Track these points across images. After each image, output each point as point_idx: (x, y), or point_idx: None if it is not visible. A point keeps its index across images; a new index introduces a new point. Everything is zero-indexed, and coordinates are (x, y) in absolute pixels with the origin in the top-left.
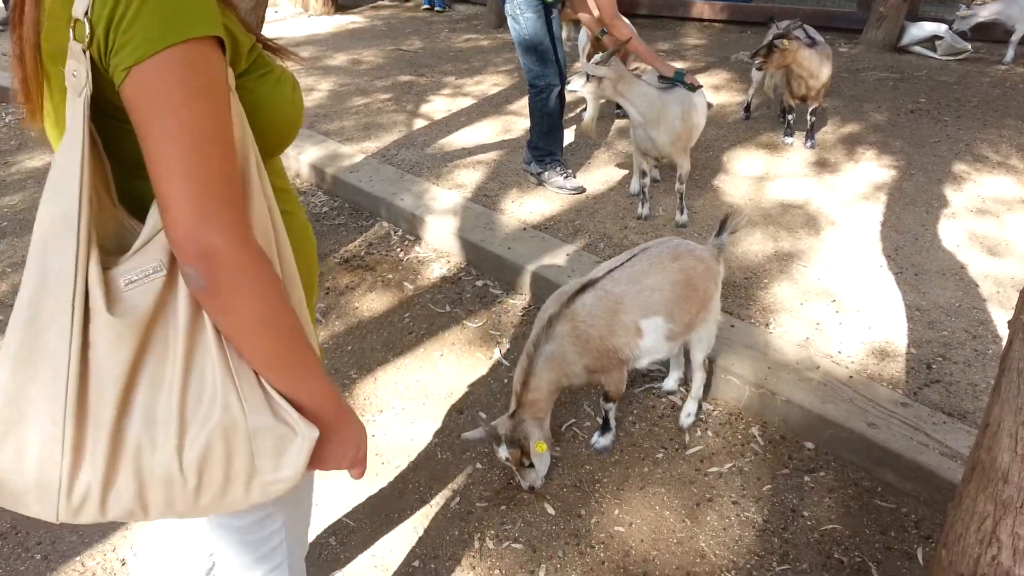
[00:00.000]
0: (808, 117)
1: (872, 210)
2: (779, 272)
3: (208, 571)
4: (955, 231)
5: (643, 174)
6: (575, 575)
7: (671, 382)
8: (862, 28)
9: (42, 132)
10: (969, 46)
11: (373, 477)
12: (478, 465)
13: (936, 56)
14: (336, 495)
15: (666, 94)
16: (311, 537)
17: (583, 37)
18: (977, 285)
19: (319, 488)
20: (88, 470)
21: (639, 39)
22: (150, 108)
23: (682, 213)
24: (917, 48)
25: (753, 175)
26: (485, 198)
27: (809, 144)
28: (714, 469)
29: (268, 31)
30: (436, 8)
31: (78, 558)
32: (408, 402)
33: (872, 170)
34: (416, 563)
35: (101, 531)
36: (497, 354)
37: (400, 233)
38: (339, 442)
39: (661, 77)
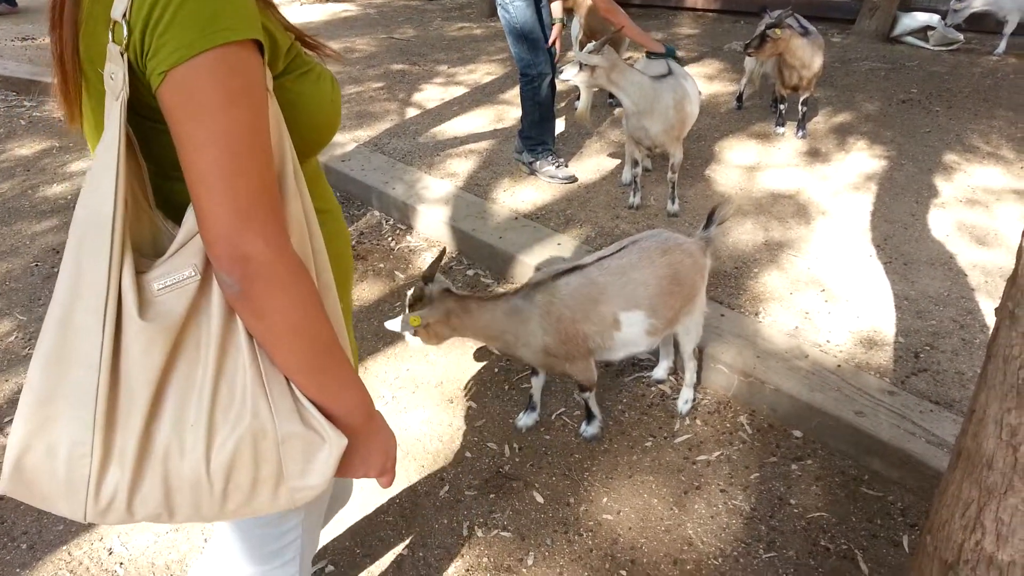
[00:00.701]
0: (800, 107)
1: (862, 200)
2: (769, 261)
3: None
4: (945, 221)
5: (635, 163)
6: (563, 563)
7: (660, 371)
8: (855, 18)
9: (80, 133)
10: (961, 36)
11: None
12: (467, 454)
13: (928, 46)
14: None
15: (659, 83)
16: None
17: (576, 26)
18: (966, 275)
19: None
20: (116, 471)
21: (630, 21)
22: (186, 113)
23: (673, 203)
24: (909, 38)
25: (744, 165)
26: (477, 187)
27: (800, 134)
28: (702, 457)
29: None
30: None
31: (64, 547)
32: (398, 391)
33: (863, 160)
34: (404, 551)
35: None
36: None
37: (391, 222)
38: (368, 450)
39: (650, 53)
